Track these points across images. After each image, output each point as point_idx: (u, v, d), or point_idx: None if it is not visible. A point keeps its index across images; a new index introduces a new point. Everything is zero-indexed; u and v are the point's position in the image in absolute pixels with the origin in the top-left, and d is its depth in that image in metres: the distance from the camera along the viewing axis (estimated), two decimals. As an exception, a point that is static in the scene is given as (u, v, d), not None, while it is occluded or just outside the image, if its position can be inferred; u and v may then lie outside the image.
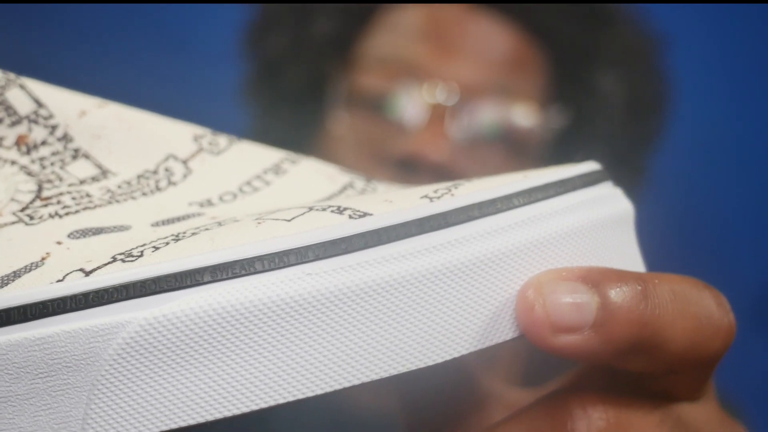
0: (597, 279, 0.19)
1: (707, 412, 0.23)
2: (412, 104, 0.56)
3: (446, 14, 0.58)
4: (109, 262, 0.19)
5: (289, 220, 0.19)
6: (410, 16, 0.58)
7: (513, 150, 0.58)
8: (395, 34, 0.58)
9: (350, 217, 0.19)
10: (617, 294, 0.19)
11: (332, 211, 0.19)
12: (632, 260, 0.22)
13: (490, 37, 0.58)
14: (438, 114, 0.55)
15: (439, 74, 0.56)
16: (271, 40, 0.64)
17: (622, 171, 0.62)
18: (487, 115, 0.56)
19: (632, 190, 0.68)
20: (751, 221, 0.84)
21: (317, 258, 0.18)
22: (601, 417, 0.20)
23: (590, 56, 0.61)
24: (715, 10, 0.82)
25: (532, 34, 0.58)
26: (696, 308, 0.20)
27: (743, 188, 0.84)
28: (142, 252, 0.19)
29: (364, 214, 0.19)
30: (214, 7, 0.70)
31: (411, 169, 0.53)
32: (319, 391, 0.18)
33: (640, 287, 0.20)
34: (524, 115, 0.57)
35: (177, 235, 0.20)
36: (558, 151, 0.60)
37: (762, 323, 0.80)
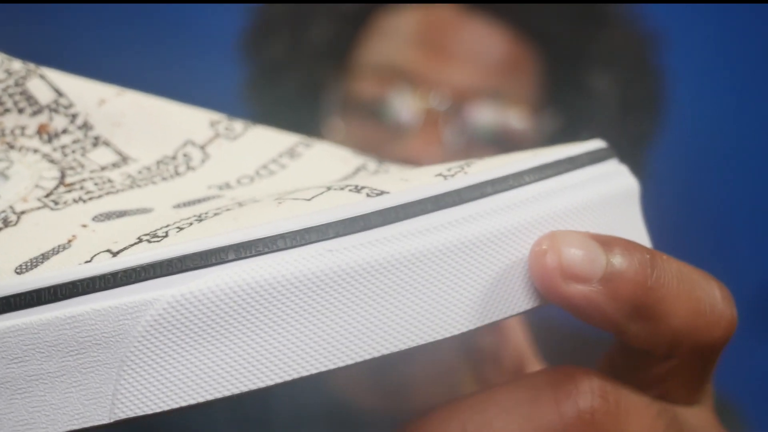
0: (608, 241, 0.20)
1: (703, 419, 0.23)
2: (405, 110, 0.56)
3: (440, 18, 0.58)
4: (135, 243, 0.19)
5: (308, 200, 0.20)
6: (404, 21, 0.59)
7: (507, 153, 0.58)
8: (389, 40, 0.59)
9: (368, 195, 0.20)
10: (625, 257, 0.20)
11: (350, 190, 0.20)
12: (639, 235, 0.23)
13: (484, 41, 0.58)
14: (432, 119, 0.56)
15: (433, 79, 0.56)
16: (268, 46, 0.65)
17: None
18: (481, 119, 0.56)
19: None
20: (751, 221, 0.85)
21: (337, 235, 0.19)
22: (604, 396, 0.21)
23: (584, 56, 0.61)
24: (715, 10, 0.82)
25: (526, 36, 0.59)
26: (700, 293, 0.21)
27: (743, 188, 0.84)
28: (166, 232, 0.19)
29: (381, 193, 0.20)
30: (219, 6, 0.71)
31: None
32: (342, 364, 0.18)
33: (648, 256, 0.20)
34: (518, 119, 0.57)
35: (200, 216, 0.20)
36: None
37: (762, 323, 0.80)
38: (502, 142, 0.57)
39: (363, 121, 0.58)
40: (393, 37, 0.59)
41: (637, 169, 0.70)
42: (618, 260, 0.20)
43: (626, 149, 0.63)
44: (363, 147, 0.57)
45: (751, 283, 0.83)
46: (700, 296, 0.21)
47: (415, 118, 0.56)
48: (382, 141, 0.56)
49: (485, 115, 0.56)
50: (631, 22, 0.65)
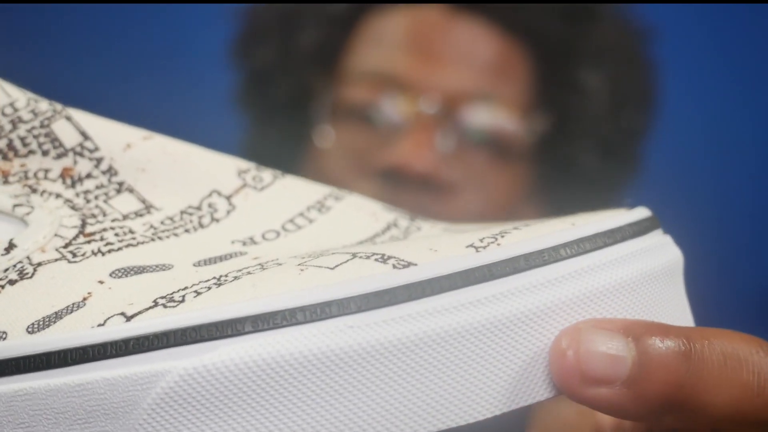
0: (639, 332, 0.19)
1: None
2: (395, 115, 0.56)
3: (428, 20, 0.58)
4: (150, 307, 0.19)
5: (332, 268, 0.19)
6: (392, 24, 0.58)
7: (499, 155, 0.57)
8: (378, 45, 0.58)
9: (394, 266, 0.19)
10: (657, 351, 0.18)
11: (376, 260, 0.19)
12: (681, 313, 0.22)
13: (473, 42, 0.57)
14: (422, 124, 0.55)
15: (423, 83, 0.56)
16: (258, 52, 0.65)
17: (613, 165, 0.62)
18: (473, 121, 0.56)
19: (624, 184, 0.67)
20: (752, 224, 0.83)
21: (359, 310, 0.18)
22: None
23: (574, 53, 0.60)
24: (715, 10, 0.81)
25: (515, 35, 0.58)
26: (748, 375, 0.19)
27: (744, 190, 0.83)
28: (183, 297, 0.19)
29: (408, 264, 0.19)
30: (212, 12, 0.70)
31: (397, 180, 0.53)
32: None
33: (684, 346, 0.19)
34: (510, 120, 0.57)
35: (218, 279, 0.19)
36: (546, 149, 0.59)
37: (762, 323, 0.79)
38: (494, 144, 0.57)
39: (353, 127, 0.58)
40: (381, 43, 0.58)
41: (632, 164, 0.69)
42: (647, 357, 0.18)
43: (620, 145, 0.62)
44: (353, 154, 0.57)
45: (751, 284, 0.82)
46: (747, 380, 0.19)
47: (405, 122, 0.56)
48: (373, 147, 0.56)
49: (477, 118, 0.56)
50: (620, 17, 0.64)
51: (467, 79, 0.56)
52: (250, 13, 0.66)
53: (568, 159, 0.60)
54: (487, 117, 0.56)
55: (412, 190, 0.53)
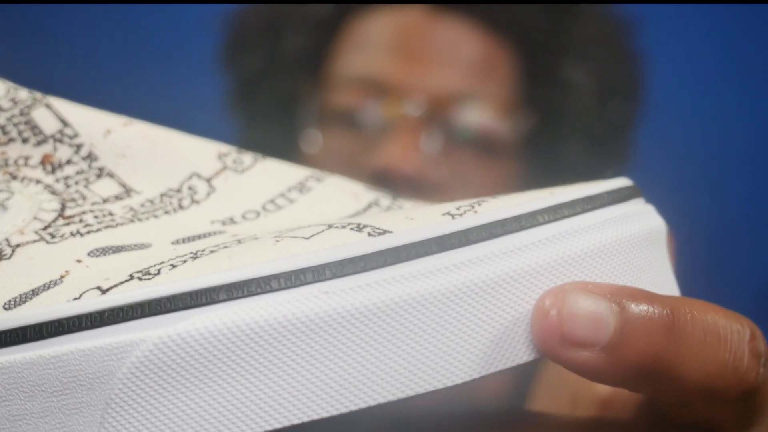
0: (624, 298, 0.18)
1: None
2: (381, 118, 0.56)
3: (411, 21, 0.58)
4: (125, 280, 0.19)
5: (307, 238, 0.19)
6: (376, 27, 0.58)
7: (486, 152, 0.57)
8: (362, 49, 0.58)
9: (369, 234, 0.19)
10: (640, 319, 0.18)
11: (351, 229, 0.19)
12: (664, 281, 0.21)
13: (457, 42, 0.58)
14: (408, 126, 0.55)
15: (408, 86, 0.56)
16: (245, 59, 0.65)
17: (601, 158, 0.62)
18: (460, 122, 0.56)
19: (615, 176, 0.66)
20: (751, 221, 0.83)
21: (334, 276, 0.18)
22: None
23: (558, 49, 0.60)
24: (716, 10, 0.81)
25: (498, 32, 0.58)
26: (725, 354, 0.19)
27: (744, 188, 0.83)
28: (159, 270, 0.19)
29: (384, 232, 0.19)
30: (207, 14, 0.70)
31: (385, 183, 0.53)
32: (335, 412, 0.17)
33: (667, 318, 0.18)
34: (496, 118, 0.57)
35: (195, 253, 0.19)
36: (534, 145, 0.59)
37: (762, 323, 0.78)
38: (481, 144, 0.57)
39: (341, 131, 0.58)
40: (366, 46, 0.58)
41: (621, 156, 0.69)
42: (629, 325, 0.18)
43: (607, 138, 0.62)
44: (340, 158, 0.57)
45: (751, 283, 0.81)
46: (723, 358, 0.19)
47: (391, 125, 0.56)
48: (361, 151, 0.56)
49: (463, 117, 0.56)
50: (603, 9, 0.64)
51: (452, 80, 0.56)
52: (236, 20, 0.67)
53: (556, 153, 0.60)
54: (473, 116, 0.56)
55: (401, 193, 0.53)
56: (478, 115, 0.56)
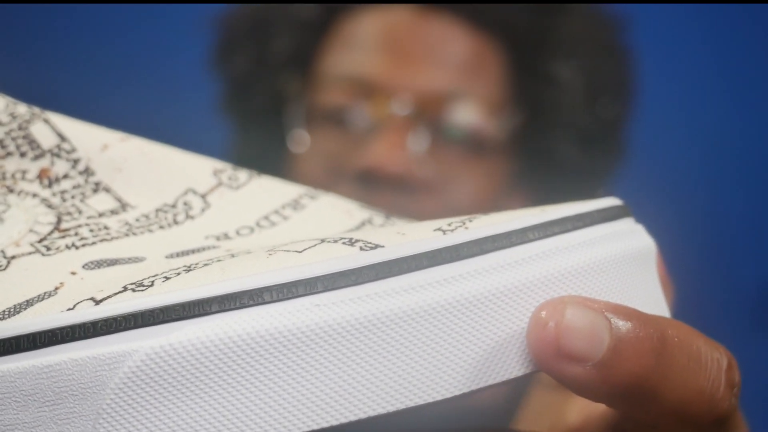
0: (618, 317, 0.19)
1: None
2: (368, 118, 0.56)
3: (399, 20, 0.58)
4: (119, 292, 0.19)
5: (300, 252, 0.19)
6: (363, 27, 0.59)
7: (475, 152, 0.57)
8: (350, 49, 0.59)
9: (361, 248, 0.19)
10: (633, 340, 0.18)
11: (344, 243, 0.19)
12: (653, 300, 0.22)
13: (445, 41, 0.58)
14: (395, 125, 0.55)
15: (396, 85, 0.56)
16: (234, 61, 0.65)
17: (593, 156, 0.62)
18: (447, 120, 0.56)
19: (609, 173, 0.66)
20: (750, 221, 0.83)
21: (326, 289, 0.18)
22: None
23: (546, 46, 0.60)
24: (715, 10, 0.82)
25: (487, 31, 0.58)
26: (703, 382, 0.19)
27: (743, 188, 0.83)
28: (152, 282, 0.19)
29: (376, 246, 0.19)
30: (200, 15, 0.71)
31: (372, 182, 0.53)
32: (325, 425, 0.18)
33: (658, 341, 0.19)
34: (485, 118, 0.57)
35: (189, 266, 0.20)
36: (525, 142, 0.59)
37: (761, 324, 0.78)
38: (469, 143, 0.57)
39: (328, 131, 0.58)
40: (353, 46, 0.58)
41: (614, 153, 0.69)
42: (622, 345, 0.18)
43: (598, 135, 0.62)
44: (328, 157, 0.57)
45: (751, 283, 0.81)
46: (702, 385, 0.19)
47: (378, 125, 0.56)
48: (348, 150, 0.56)
49: (451, 117, 0.56)
50: (591, 7, 0.64)
51: (440, 79, 0.56)
52: (224, 21, 0.67)
53: (547, 151, 0.60)
54: (461, 115, 0.56)
55: (387, 192, 0.53)
56: (466, 114, 0.56)
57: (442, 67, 0.57)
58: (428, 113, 0.56)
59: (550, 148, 0.60)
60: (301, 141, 0.59)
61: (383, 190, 0.53)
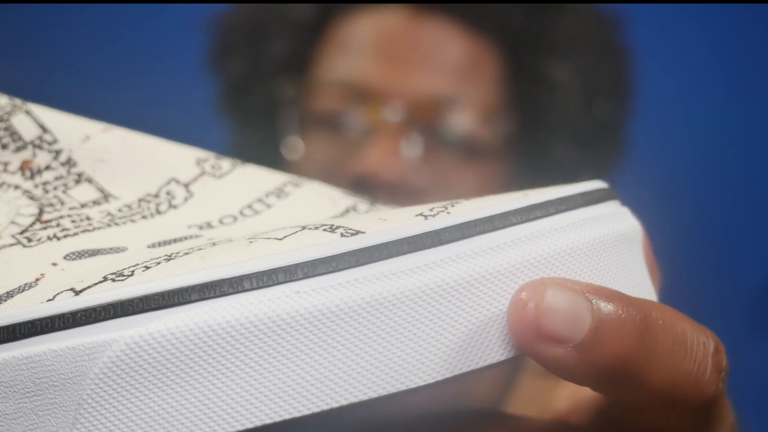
0: (600, 298, 0.18)
1: None
2: (362, 123, 0.56)
3: (393, 24, 0.57)
4: (99, 282, 0.19)
5: (280, 239, 0.19)
6: (358, 30, 0.58)
7: (470, 157, 0.57)
8: (344, 53, 0.58)
9: (342, 235, 0.19)
10: (615, 322, 0.18)
11: (324, 230, 0.19)
12: (639, 282, 0.21)
13: (439, 45, 0.57)
14: (389, 131, 0.55)
15: (390, 90, 0.56)
16: (230, 64, 0.65)
17: (591, 157, 0.61)
18: (441, 126, 0.56)
19: (607, 174, 0.66)
20: (750, 222, 0.83)
21: (306, 276, 0.18)
22: None
23: (541, 47, 0.60)
24: (715, 10, 0.81)
25: (482, 33, 0.57)
26: (689, 365, 0.19)
27: (743, 188, 0.83)
28: (132, 272, 0.19)
29: (356, 232, 0.19)
30: (199, 15, 0.71)
31: (365, 188, 0.53)
32: (306, 412, 0.17)
33: (641, 324, 0.18)
34: (479, 121, 0.56)
35: (170, 255, 0.19)
36: (522, 144, 0.59)
37: (761, 324, 0.78)
38: (464, 147, 0.56)
39: (323, 137, 0.58)
40: (348, 50, 0.58)
41: (612, 154, 0.68)
42: (604, 326, 0.18)
43: (596, 136, 0.61)
44: (322, 164, 0.57)
45: (751, 283, 0.81)
46: (687, 369, 0.19)
47: (372, 130, 0.56)
48: (342, 156, 0.56)
49: (446, 122, 0.56)
50: (587, 7, 0.64)
51: (435, 83, 0.56)
52: (220, 23, 0.67)
53: (544, 153, 0.60)
54: (456, 120, 0.55)
55: (382, 198, 0.53)
56: (461, 119, 0.55)
57: (436, 72, 0.56)
58: (422, 118, 0.55)
59: (546, 151, 0.60)
60: (294, 148, 0.59)
61: (378, 196, 0.53)
